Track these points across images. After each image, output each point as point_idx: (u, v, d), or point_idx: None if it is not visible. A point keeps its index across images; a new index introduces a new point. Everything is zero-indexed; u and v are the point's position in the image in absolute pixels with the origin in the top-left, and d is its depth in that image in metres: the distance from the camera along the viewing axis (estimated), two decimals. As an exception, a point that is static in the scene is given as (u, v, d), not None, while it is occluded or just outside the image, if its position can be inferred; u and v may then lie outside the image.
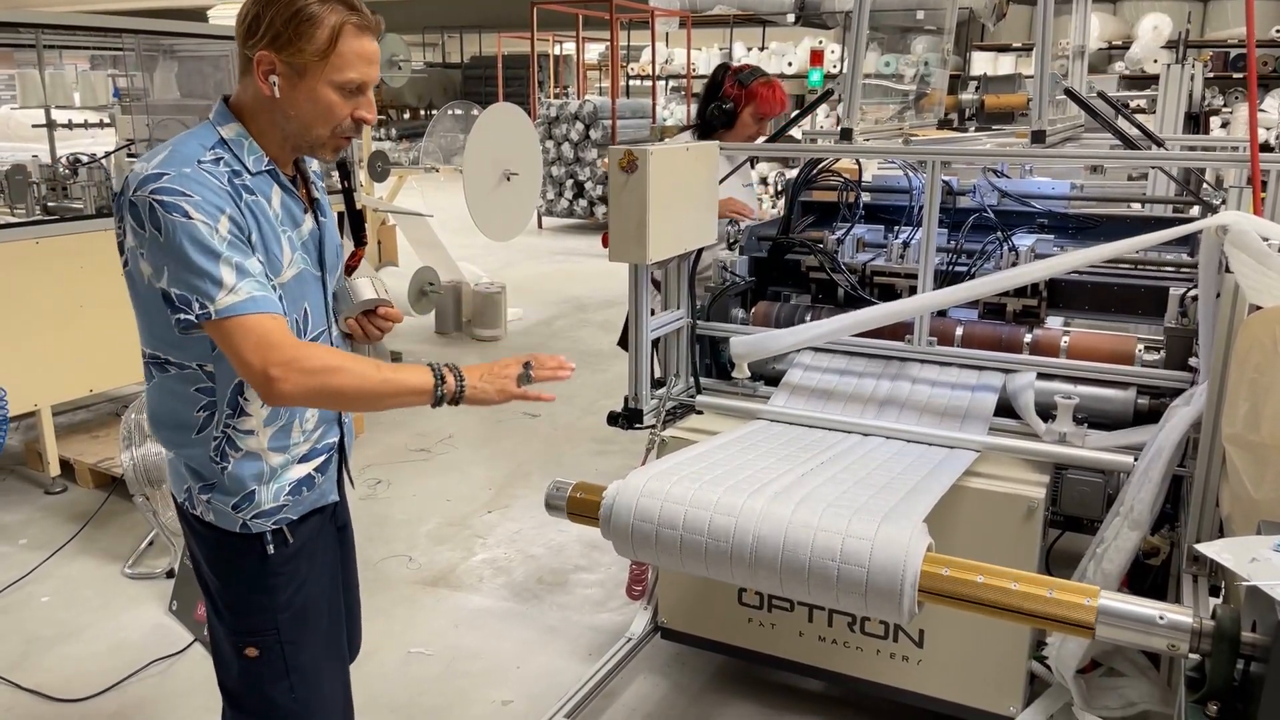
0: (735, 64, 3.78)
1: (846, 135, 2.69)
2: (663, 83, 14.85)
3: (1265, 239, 1.78)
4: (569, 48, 19.04)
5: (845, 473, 2.17)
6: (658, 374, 2.91)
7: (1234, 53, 12.37)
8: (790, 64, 14.60)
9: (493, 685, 2.95)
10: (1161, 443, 2.15)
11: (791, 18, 14.70)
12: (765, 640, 2.73)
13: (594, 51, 18.37)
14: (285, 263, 1.66)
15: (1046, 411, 2.50)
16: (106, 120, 5.39)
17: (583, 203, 11.81)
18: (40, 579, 3.50)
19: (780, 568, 1.85)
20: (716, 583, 2.68)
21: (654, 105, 12.85)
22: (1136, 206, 3.43)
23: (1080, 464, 2.36)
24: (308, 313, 1.74)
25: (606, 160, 11.16)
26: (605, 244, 2.55)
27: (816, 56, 11.03)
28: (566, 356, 1.74)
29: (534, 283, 8.82)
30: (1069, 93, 2.53)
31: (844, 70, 2.74)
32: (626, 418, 2.76)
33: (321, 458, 1.82)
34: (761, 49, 15.05)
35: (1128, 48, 12.97)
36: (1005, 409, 2.56)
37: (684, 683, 2.94)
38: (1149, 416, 2.48)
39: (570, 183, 11.71)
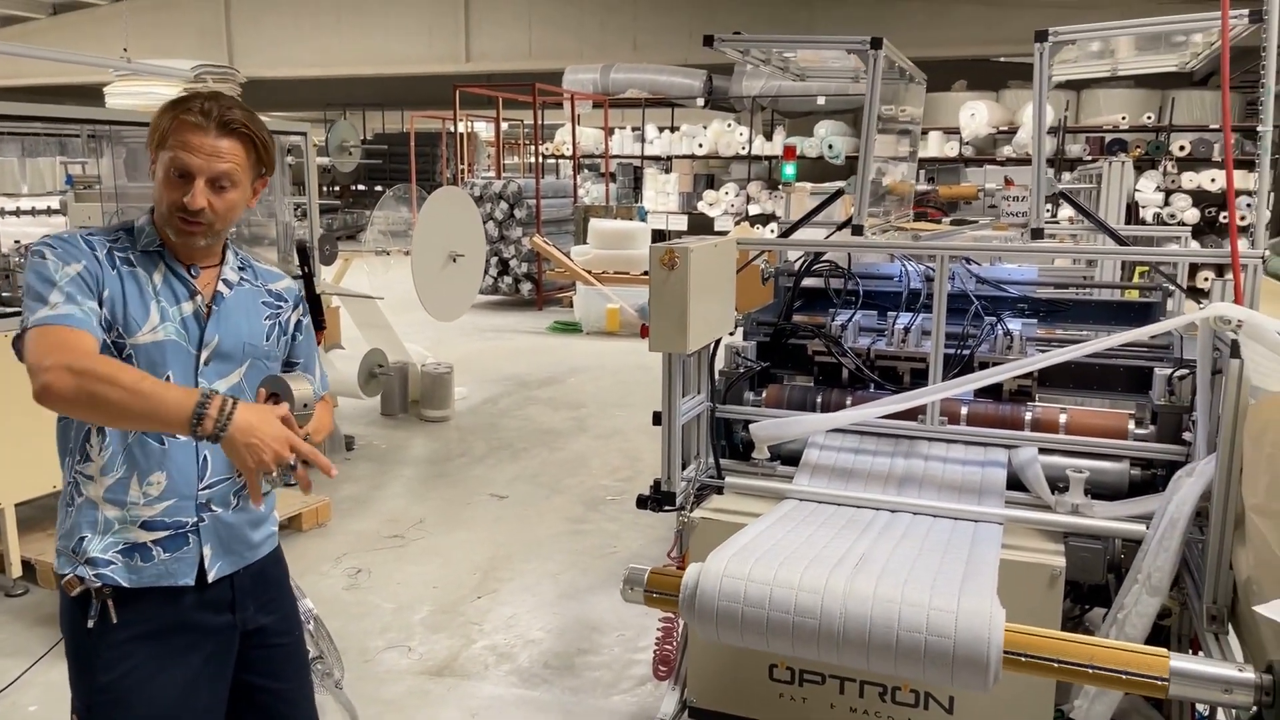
0: None
1: (858, 231, 2.90)
2: (567, 162, 15.12)
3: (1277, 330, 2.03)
4: (475, 127, 19.28)
5: (901, 547, 2.31)
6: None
7: (1108, 137, 13.44)
8: (700, 145, 15.17)
9: (523, 774, 2.96)
10: (1174, 513, 2.36)
11: (701, 101, 15.35)
12: (797, 714, 2.82)
13: (490, 132, 18.61)
14: (146, 326, 1.79)
15: (1050, 484, 2.72)
16: (55, 206, 5.27)
17: (508, 279, 11.90)
18: (23, 687, 3.33)
19: (869, 644, 1.97)
20: (746, 659, 2.79)
21: (574, 185, 13.13)
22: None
23: (1096, 533, 2.56)
24: (170, 381, 1.78)
25: (530, 239, 11.24)
26: (644, 334, 2.67)
27: (789, 152, 11.44)
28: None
29: (472, 360, 8.83)
30: (1063, 194, 2.80)
31: (858, 169, 2.97)
32: (657, 501, 2.85)
33: (166, 532, 1.82)
34: (673, 130, 15.58)
35: (1012, 132, 13.96)
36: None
37: (712, 760, 3.00)
38: (1142, 487, 2.72)
39: (495, 260, 11.80)
